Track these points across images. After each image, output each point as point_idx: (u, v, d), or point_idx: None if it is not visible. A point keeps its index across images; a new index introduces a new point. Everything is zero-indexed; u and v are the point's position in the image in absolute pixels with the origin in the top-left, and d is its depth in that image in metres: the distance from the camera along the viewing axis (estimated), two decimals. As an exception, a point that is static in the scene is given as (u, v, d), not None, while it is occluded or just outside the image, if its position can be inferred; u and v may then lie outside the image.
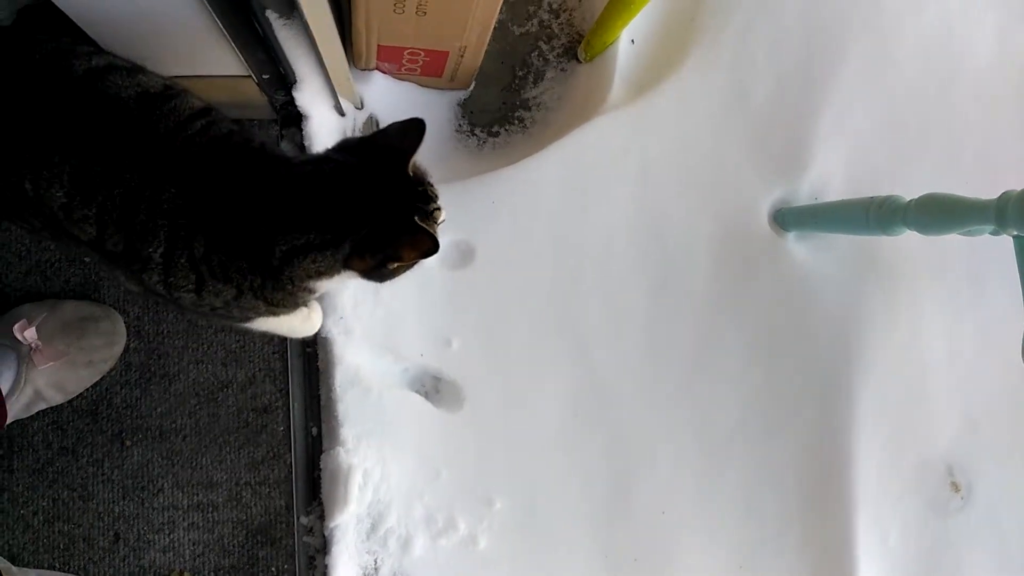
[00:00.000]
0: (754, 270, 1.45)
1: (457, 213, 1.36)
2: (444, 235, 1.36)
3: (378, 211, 0.82)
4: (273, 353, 1.31)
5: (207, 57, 1.12)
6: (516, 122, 1.50)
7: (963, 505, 1.48)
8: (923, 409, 1.49)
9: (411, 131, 0.86)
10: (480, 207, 1.36)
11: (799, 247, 1.46)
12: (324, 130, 1.30)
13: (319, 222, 0.81)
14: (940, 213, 1.12)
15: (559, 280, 1.40)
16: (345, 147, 0.89)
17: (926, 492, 1.48)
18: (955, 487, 1.48)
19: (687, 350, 1.44)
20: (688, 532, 1.41)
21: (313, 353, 1.32)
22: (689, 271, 1.44)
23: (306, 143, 1.30)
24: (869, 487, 1.45)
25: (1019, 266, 1.20)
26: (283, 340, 1.31)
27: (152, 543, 1.27)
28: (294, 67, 1.18)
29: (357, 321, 1.29)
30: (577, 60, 1.51)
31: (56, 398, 1.22)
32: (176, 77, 1.11)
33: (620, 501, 1.40)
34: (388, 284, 1.24)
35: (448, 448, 1.35)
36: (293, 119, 1.33)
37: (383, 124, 1.41)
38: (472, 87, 1.48)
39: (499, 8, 1.18)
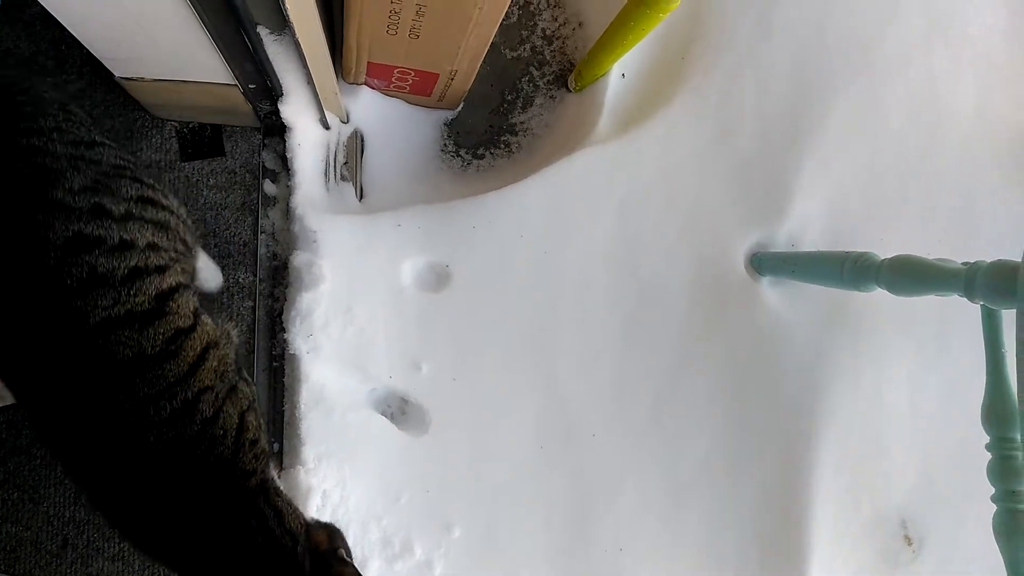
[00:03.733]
0: (727, 311, 1.46)
1: (437, 235, 1.36)
2: (422, 255, 1.37)
3: None
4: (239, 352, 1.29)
5: (195, 64, 1.10)
6: (502, 146, 1.49)
7: (914, 558, 1.50)
8: (882, 461, 1.50)
9: None
10: (460, 231, 1.36)
11: (772, 292, 1.47)
12: (307, 141, 1.29)
13: None
14: (911, 276, 1.14)
15: (534, 309, 1.40)
16: None
17: (879, 543, 1.49)
18: (907, 540, 1.51)
19: (656, 386, 1.44)
20: (645, 572, 1.41)
21: (280, 368, 1.30)
22: (663, 308, 1.45)
23: (288, 154, 1.29)
24: (824, 534, 1.46)
25: (984, 333, 1.22)
26: (251, 353, 1.30)
27: (101, 551, 1.24)
28: (281, 80, 1.17)
29: (327, 339, 1.28)
30: (567, 89, 1.51)
31: (9, 397, 1.19)
32: (162, 80, 1.09)
33: (579, 535, 1.39)
34: (362, 301, 1.24)
35: (410, 472, 1.33)
36: (276, 129, 1.32)
37: (368, 138, 1.40)
38: (460, 108, 1.47)
39: (492, 36, 1.18)
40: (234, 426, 0.84)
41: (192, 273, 0.94)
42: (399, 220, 1.33)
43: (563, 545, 1.39)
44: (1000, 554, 1.16)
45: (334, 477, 1.28)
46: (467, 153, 1.48)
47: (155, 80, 1.16)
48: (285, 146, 1.29)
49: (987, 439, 1.21)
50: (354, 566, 0.88)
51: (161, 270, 0.83)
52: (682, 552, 1.43)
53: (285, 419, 1.27)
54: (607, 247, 1.42)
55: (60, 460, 0.81)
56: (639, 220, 1.44)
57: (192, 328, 0.83)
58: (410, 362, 1.34)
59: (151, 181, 0.92)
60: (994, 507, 1.18)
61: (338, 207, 1.32)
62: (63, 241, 0.76)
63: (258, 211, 1.31)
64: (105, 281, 0.77)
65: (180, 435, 0.79)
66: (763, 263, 1.45)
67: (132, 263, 0.79)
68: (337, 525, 0.98)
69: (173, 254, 0.87)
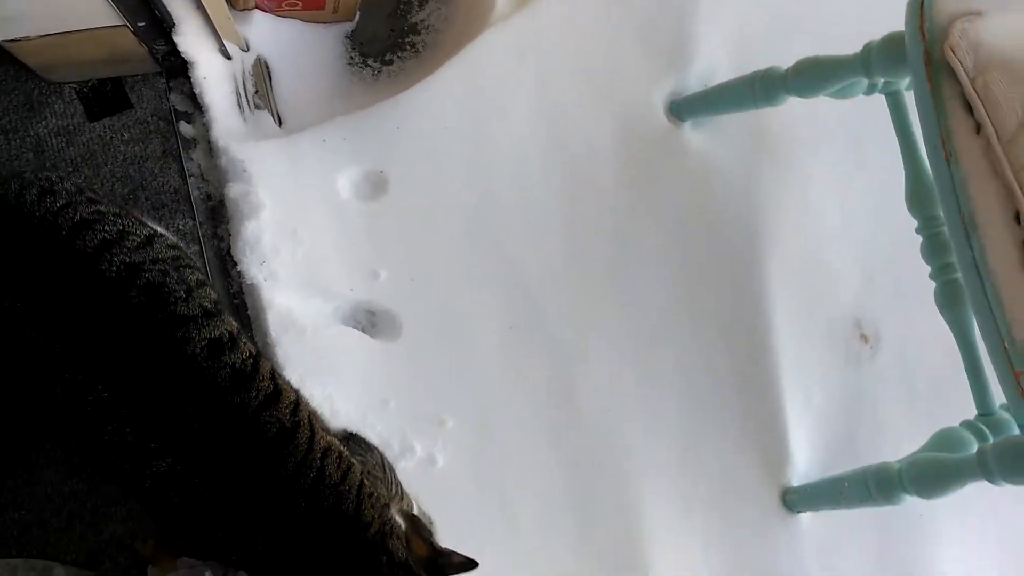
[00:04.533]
0: (657, 163, 1.51)
1: (363, 144, 1.37)
2: (354, 166, 1.38)
3: None
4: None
5: (77, 9, 1.07)
6: (408, 48, 1.49)
7: (873, 353, 1.61)
8: (825, 271, 1.59)
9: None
10: (385, 135, 1.37)
11: (695, 135, 1.53)
12: (212, 74, 1.27)
13: None
14: (815, 73, 1.20)
15: (476, 198, 1.42)
16: None
17: (839, 348, 1.59)
18: (864, 339, 1.61)
19: (607, 249, 1.49)
20: (633, 427, 1.46)
21: (242, 303, 1.31)
22: (597, 173, 1.49)
23: (196, 90, 1.27)
24: (788, 353, 1.54)
25: (893, 121, 1.29)
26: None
27: (109, 515, 1.25)
28: (170, 9, 1.15)
29: (280, 264, 1.29)
30: (459, -22, 1.52)
31: None
32: (48, 36, 1.07)
33: (566, 404, 1.44)
34: (307, 222, 1.26)
35: (392, 376, 1.37)
36: (178, 69, 1.30)
37: (273, 64, 1.39)
38: (357, 18, 1.47)
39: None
40: (357, 482, 0.92)
41: None
42: (323, 135, 1.34)
43: (552, 416, 1.44)
44: (948, 327, 1.26)
45: (319, 395, 1.30)
46: (375, 62, 1.48)
47: (40, 37, 1.12)
48: (191, 83, 1.27)
49: (915, 224, 1.29)
50: (452, 552, 0.99)
51: (258, 354, 0.91)
52: (663, 399, 1.49)
53: (259, 350, 1.29)
54: (532, 124, 1.45)
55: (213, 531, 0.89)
56: (557, 92, 1.47)
57: (297, 400, 0.92)
58: (367, 272, 1.36)
59: (188, 256, 0.96)
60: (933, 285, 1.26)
61: (259, 135, 1.32)
62: (202, 349, 0.83)
63: (180, 155, 1.30)
64: (244, 375, 0.86)
65: (320, 496, 0.88)
66: (681, 108, 1.50)
67: (247, 352, 0.88)
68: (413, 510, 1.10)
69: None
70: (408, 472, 1.36)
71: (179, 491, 0.85)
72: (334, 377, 1.32)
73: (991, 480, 1.08)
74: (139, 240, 0.87)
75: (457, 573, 0.98)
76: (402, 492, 1.14)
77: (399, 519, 1.00)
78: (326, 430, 0.96)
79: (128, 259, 0.84)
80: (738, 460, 1.48)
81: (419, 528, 1.02)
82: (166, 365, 0.82)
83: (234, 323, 0.91)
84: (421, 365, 1.38)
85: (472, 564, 0.98)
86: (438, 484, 1.36)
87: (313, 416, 0.94)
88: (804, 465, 1.50)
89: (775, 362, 1.53)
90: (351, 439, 1.13)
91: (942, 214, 1.27)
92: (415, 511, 1.17)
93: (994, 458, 1.07)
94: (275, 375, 0.91)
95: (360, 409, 1.34)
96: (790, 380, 1.53)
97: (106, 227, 0.85)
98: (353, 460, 0.95)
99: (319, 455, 0.89)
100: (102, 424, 0.81)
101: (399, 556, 0.94)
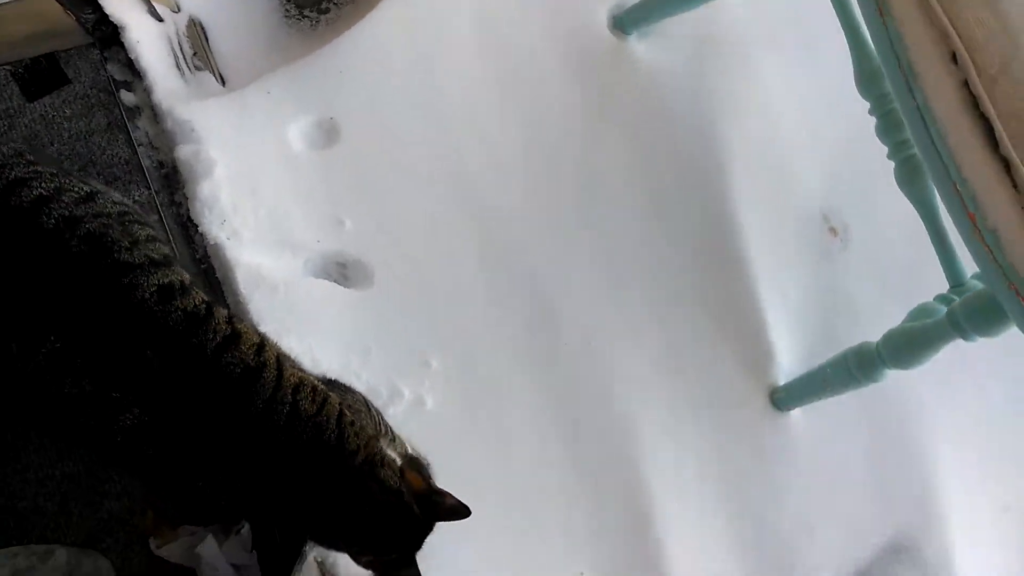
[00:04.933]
0: (609, 80, 1.50)
1: (309, 92, 1.35)
2: (303, 116, 1.36)
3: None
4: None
5: (-6, -20, 1.05)
6: (342, -6, 1.48)
7: (843, 245, 1.62)
8: (788, 170, 1.60)
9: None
10: (330, 81, 1.35)
11: (642, 47, 1.52)
12: (146, 37, 1.25)
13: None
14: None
15: (433, 136, 1.41)
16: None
17: (809, 242, 1.61)
18: (833, 231, 1.62)
19: (570, 172, 1.49)
20: (614, 338, 1.47)
21: (209, 267, 1.30)
22: (550, 97, 1.48)
23: (131, 55, 1.25)
24: (760, 255, 1.55)
25: (836, 12, 1.29)
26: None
27: (105, 494, 1.25)
28: (92, -29, 1.12)
29: (241, 222, 1.28)
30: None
31: None
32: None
33: (547, 330, 1.45)
34: (263, 178, 1.24)
35: (371, 324, 1.36)
36: (111, 39, 1.27)
37: (208, 25, 1.36)
38: (289, -31, 1.45)
39: None
40: (335, 413, 0.92)
41: None
42: (267, 88, 1.32)
43: (536, 350, 1.44)
44: (912, 206, 1.27)
45: (299, 349, 1.29)
46: (311, 12, 1.45)
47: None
48: (126, 50, 1.25)
49: (867, 106, 1.30)
50: (447, 493, 1.00)
51: (213, 301, 0.89)
52: (642, 315, 1.50)
53: (231, 308, 1.28)
54: (478, 52, 1.44)
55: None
56: (497, 20, 1.45)
57: (262, 342, 0.90)
58: (332, 222, 1.35)
59: (138, 212, 0.94)
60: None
61: (203, 95, 1.30)
62: (153, 295, 0.81)
63: (126, 125, 1.28)
64: (198, 317, 0.84)
65: (297, 430, 0.87)
66: (624, 20, 1.49)
67: (200, 298, 0.86)
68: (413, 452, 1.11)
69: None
70: (398, 417, 1.36)
71: (151, 443, 0.84)
72: (312, 330, 1.32)
73: (964, 336, 1.10)
74: (78, 196, 0.86)
75: (450, 516, 0.99)
76: (392, 433, 1.14)
77: (392, 453, 1.00)
78: (299, 369, 0.95)
79: (67, 212, 0.82)
80: (723, 367, 1.50)
81: (417, 465, 1.03)
82: (116, 311, 0.81)
83: (187, 276, 0.89)
84: (399, 309, 1.38)
85: (465, 511, 0.99)
86: (430, 425, 1.37)
87: (282, 357, 0.92)
88: (788, 363, 1.52)
89: (748, 265, 1.54)
90: (331, 384, 1.12)
91: (889, 85, 1.29)
92: (409, 451, 1.18)
93: (963, 314, 1.09)
94: (233, 320, 0.89)
95: (342, 359, 1.34)
96: (765, 281, 1.55)
97: (43, 184, 0.84)
98: (330, 393, 0.94)
99: (290, 391, 0.88)
100: (60, 377, 0.79)
101: (391, 484, 0.94)
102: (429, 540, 0.95)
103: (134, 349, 0.81)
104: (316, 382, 0.93)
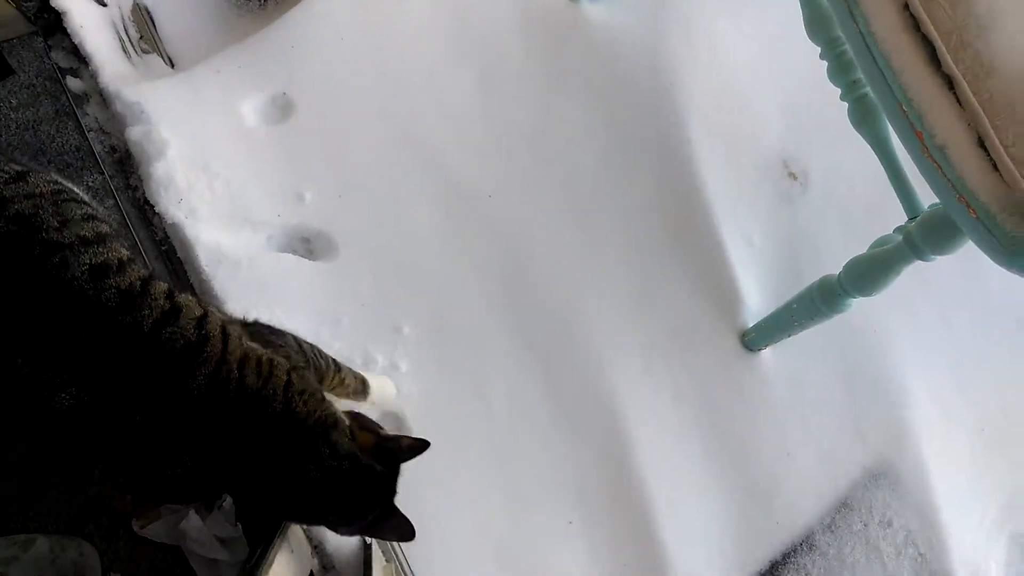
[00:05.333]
0: (563, 40, 1.51)
1: (260, 69, 1.35)
2: (256, 92, 1.36)
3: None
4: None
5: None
6: (288, -30, 1.47)
7: (804, 189, 1.64)
8: (745, 117, 1.62)
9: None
10: (281, 56, 1.35)
11: (595, 9, 1.53)
12: (89, 22, 1.24)
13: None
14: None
15: (388, 103, 1.41)
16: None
17: (770, 188, 1.62)
18: (793, 176, 1.64)
19: (530, 131, 1.50)
20: (584, 290, 1.48)
21: (170, 249, 1.30)
22: (506, 57, 1.49)
23: (76, 41, 1.24)
24: (722, 202, 1.57)
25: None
26: (133, 246, 1.28)
27: (86, 480, 1.24)
28: (26, -45, 1.11)
29: (198, 199, 1.27)
30: None
31: None
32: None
33: (516, 285, 1.46)
34: (216, 154, 1.23)
35: (339, 294, 1.37)
36: (54, 26, 1.26)
37: (153, 10, 1.35)
38: (230, -51, 1.44)
39: None
40: (282, 382, 0.90)
41: None
42: (216, 67, 1.32)
43: (506, 300, 1.45)
44: (868, 145, 1.28)
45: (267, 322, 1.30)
46: (257, -10, 1.45)
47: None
48: (69, 36, 1.24)
49: (818, 51, 1.31)
50: (401, 436, 1.02)
51: (150, 277, 0.87)
52: (608, 260, 1.51)
53: (196, 290, 1.28)
54: (432, 20, 1.44)
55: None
56: (446, -15, 1.46)
57: (205, 313, 0.89)
58: (291, 196, 1.35)
59: (79, 196, 0.92)
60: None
61: (152, 77, 1.29)
62: (84, 273, 0.80)
63: (74, 111, 1.27)
64: (133, 296, 0.82)
65: (244, 403, 0.86)
66: (573, -19, 1.50)
67: (136, 276, 0.84)
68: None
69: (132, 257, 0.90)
70: (375, 385, 1.37)
71: (92, 423, 0.83)
72: (281, 304, 1.32)
73: (920, 256, 1.12)
74: (7, 176, 0.85)
75: (410, 456, 1.00)
76: (336, 364, 1.12)
77: (341, 414, 1.00)
78: (247, 339, 0.93)
79: None
80: (692, 312, 1.51)
81: (363, 421, 1.03)
82: (45, 290, 0.79)
83: (125, 253, 0.87)
84: (366, 278, 1.38)
85: (423, 444, 1.00)
86: (407, 388, 1.38)
87: (229, 329, 0.90)
88: (756, 306, 1.53)
89: (712, 214, 1.56)
90: (256, 327, 1.06)
91: (838, 28, 1.31)
92: (363, 380, 1.17)
93: (919, 234, 1.11)
94: (173, 294, 0.87)
95: (314, 330, 1.34)
96: (728, 228, 1.56)
97: None
98: (277, 359, 0.93)
99: (236, 365, 0.87)
100: None
101: (343, 447, 0.94)
102: (420, 514, 0.97)
103: (66, 329, 0.79)
104: (263, 354, 0.92)
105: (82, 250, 0.81)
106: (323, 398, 0.97)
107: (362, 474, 0.95)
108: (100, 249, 0.83)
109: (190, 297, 0.89)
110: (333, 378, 1.08)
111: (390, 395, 1.32)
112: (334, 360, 1.10)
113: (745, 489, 1.38)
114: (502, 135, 1.47)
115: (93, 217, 0.88)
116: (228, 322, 0.91)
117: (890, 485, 1.45)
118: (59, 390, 0.80)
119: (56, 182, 0.91)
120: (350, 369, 1.13)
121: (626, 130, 1.55)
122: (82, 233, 0.83)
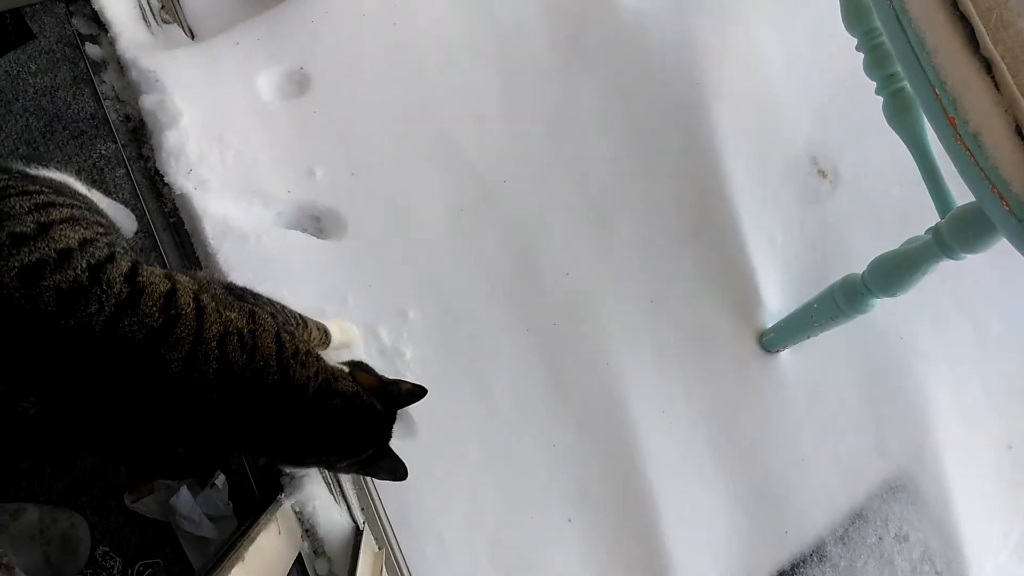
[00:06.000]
0: (586, 24, 1.48)
1: (279, 42, 1.34)
2: (273, 66, 1.34)
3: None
4: (139, 233, 1.27)
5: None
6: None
7: (833, 188, 1.58)
8: (775, 113, 1.57)
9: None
10: (301, 31, 1.34)
11: (621, -9, 1.50)
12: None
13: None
14: None
15: (405, 83, 1.39)
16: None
17: (797, 187, 1.57)
18: (822, 174, 1.58)
19: (549, 118, 1.46)
20: (597, 284, 1.44)
21: (178, 221, 1.28)
22: (527, 43, 1.46)
23: (96, 7, 1.24)
24: (745, 198, 1.52)
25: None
26: (142, 217, 1.27)
27: (79, 452, 1.23)
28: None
29: (209, 171, 1.26)
30: None
31: None
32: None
33: (527, 276, 1.43)
34: (229, 126, 1.22)
35: (346, 274, 1.34)
36: (74, -8, 1.26)
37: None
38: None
39: None
40: (272, 351, 0.88)
41: (122, 240, 0.91)
42: (235, 39, 1.31)
43: (516, 290, 1.42)
44: (902, 142, 1.23)
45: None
46: (281, -36, 1.44)
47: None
48: (91, 2, 1.24)
49: (855, 42, 1.26)
50: (400, 380, 1.05)
51: (111, 257, 0.82)
52: (622, 257, 1.47)
53: (201, 260, 1.26)
54: (456, 1, 1.41)
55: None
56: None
57: (173, 289, 0.84)
58: (303, 172, 1.33)
59: (34, 186, 0.88)
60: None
61: (170, 46, 1.29)
62: (14, 279, 0.74)
63: (91, 78, 1.26)
64: (78, 292, 0.76)
65: (232, 377, 0.83)
66: (600, -36, 1.46)
67: (84, 265, 0.79)
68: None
69: (105, 236, 0.85)
70: (379, 369, 1.34)
71: (68, 422, 0.81)
72: (286, 281, 1.30)
73: (950, 254, 1.06)
74: None
75: (409, 400, 1.02)
76: (304, 320, 1.08)
77: (339, 364, 1.01)
78: (227, 308, 0.88)
79: None
80: (708, 310, 1.46)
81: (362, 366, 1.05)
82: None
83: (76, 238, 0.81)
84: (374, 260, 1.36)
85: (422, 391, 1.01)
86: (411, 376, 1.35)
87: (204, 303, 0.85)
88: (776, 307, 1.48)
89: (732, 208, 1.50)
90: (233, 290, 1.00)
91: (879, 26, 1.25)
92: (325, 329, 1.15)
93: (948, 230, 1.05)
94: (136, 273, 0.82)
95: (318, 308, 1.31)
96: (750, 225, 1.51)
97: None
98: (261, 323, 0.89)
99: (215, 343, 0.82)
100: None
101: (349, 390, 0.95)
102: (415, 503, 0.95)
103: (8, 340, 0.75)
104: (244, 324, 0.87)
105: (12, 252, 0.75)
106: (318, 354, 0.96)
107: (364, 411, 0.96)
108: (34, 245, 0.77)
109: (156, 271, 0.84)
110: (302, 334, 1.06)
111: (355, 336, 1.30)
112: (300, 315, 1.08)
113: (756, 494, 1.33)
114: (519, 121, 1.44)
115: (47, 205, 0.83)
116: (204, 288, 0.87)
117: (909, 498, 1.38)
118: (19, 399, 0.77)
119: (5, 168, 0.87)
120: (315, 321, 1.11)
121: (649, 121, 1.51)
122: (17, 230, 0.77)
